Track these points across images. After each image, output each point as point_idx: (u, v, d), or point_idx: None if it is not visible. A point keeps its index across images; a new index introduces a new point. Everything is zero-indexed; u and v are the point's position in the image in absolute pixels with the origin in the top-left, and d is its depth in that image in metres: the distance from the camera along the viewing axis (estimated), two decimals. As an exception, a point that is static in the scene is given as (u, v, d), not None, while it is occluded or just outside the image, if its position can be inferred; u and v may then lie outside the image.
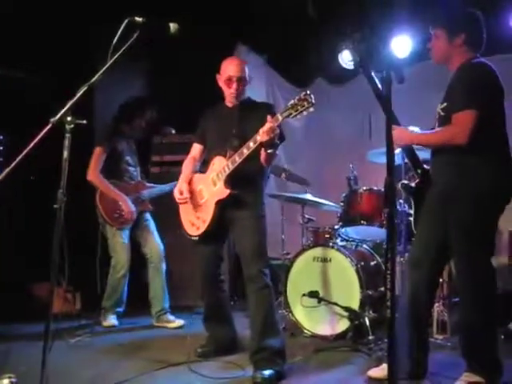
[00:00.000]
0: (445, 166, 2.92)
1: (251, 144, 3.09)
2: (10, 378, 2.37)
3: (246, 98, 3.45)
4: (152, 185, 4.71)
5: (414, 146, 3.12)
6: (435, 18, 3.03)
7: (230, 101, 3.41)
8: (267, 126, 2.98)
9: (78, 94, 2.43)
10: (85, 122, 2.51)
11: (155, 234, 4.58)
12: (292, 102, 2.93)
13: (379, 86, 2.89)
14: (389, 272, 1.93)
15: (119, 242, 4.43)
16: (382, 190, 4.25)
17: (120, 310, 4.55)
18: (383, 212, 4.11)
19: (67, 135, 2.42)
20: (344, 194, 4.35)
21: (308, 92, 2.91)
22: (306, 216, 4.72)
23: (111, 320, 4.46)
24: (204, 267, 3.50)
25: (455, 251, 2.89)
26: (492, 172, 2.82)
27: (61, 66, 4.84)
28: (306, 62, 5.83)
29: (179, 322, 4.44)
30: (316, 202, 4.66)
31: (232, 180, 3.23)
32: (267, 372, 3.03)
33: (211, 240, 3.41)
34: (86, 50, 4.87)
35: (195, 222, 3.40)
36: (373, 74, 2.88)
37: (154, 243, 4.54)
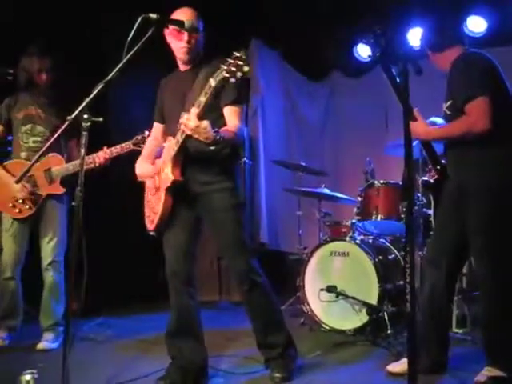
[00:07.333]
0: (460, 161, 2.87)
1: (178, 136, 2.67)
2: (32, 373, 2.40)
3: (201, 56, 2.88)
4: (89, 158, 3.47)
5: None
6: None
7: (181, 59, 2.88)
8: (184, 117, 2.50)
9: (94, 92, 2.43)
10: (101, 119, 2.52)
11: (53, 227, 3.68)
12: (225, 65, 2.37)
13: (397, 79, 2.85)
14: (408, 266, 1.91)
15: (5, 234, 3.68)
16: (400, 183, 4.21)
17: (12, 323, 3.67)
18: (401, 205, 4.08)
19: (84, 133, 2.43)
20: (361, 188, 4.33)
21: (241, 52, 2.37)
22: (323, 210, 4.71)
23: None
24: (173, 264, 2.92)
25: (475, 247, 2.85)
26: (510, 164, 2.77)
27: (71, 53, 4.63)
28: (320, 56, 5.80)
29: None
30: (333, 195, 4.64)
31: (186, 163, 2.79)
32: (284, 373, 2.94)
33: (179, 231, 2.91)
34: (98, 38, 4.86)
35: (150, 215, 2.93)
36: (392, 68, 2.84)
37: (45, 240, 3.68)
